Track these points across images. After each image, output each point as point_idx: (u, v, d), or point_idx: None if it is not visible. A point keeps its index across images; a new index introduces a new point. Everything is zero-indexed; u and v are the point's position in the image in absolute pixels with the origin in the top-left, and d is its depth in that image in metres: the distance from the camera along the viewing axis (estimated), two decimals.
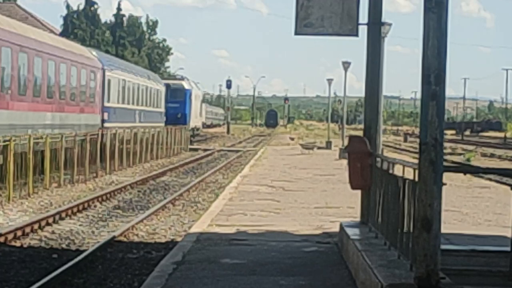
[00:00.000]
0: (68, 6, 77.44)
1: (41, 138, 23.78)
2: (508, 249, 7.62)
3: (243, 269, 10.21)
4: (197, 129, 66.53)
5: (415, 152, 26.56)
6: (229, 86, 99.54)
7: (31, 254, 13.54)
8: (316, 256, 11.33)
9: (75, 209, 18.82)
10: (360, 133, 13.23)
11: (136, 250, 14.18)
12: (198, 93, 69.36)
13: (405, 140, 74.44)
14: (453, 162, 36.36)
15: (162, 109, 51.60)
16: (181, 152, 46.75)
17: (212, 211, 16.80)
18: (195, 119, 62.81)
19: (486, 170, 23.57)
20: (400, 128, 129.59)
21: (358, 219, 11.95)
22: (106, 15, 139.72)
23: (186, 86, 58.85)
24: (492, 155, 48.59)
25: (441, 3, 6.82)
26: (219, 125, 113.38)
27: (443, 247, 7.10)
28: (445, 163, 7.02)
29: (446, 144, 28.69)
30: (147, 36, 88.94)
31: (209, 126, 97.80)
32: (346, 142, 29.30)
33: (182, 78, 62.11)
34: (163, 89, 52.28)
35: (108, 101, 36.27)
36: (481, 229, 14.07)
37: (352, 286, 9.30)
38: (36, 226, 15.95)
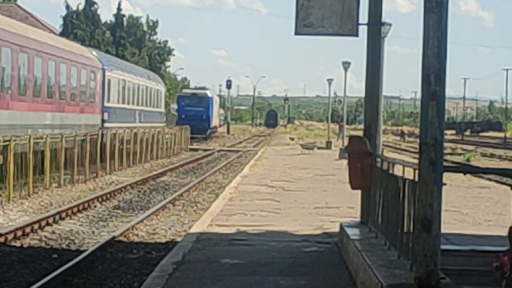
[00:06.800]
0: (67, 6, 77.36)
1: (41, 138, 23.77)
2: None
3: (243, 269, 10.21)
4: (215, 127, 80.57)
5: (415, 152, 26.53)
6: (229, 86, 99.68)
7: (31, 254, 13.54)
8: (316, 256, 11.33)
9: (75, 209, 18.82)
10: (360, 133, 13.22)
11: (136, 250, 14.18)
12: (217, 99, 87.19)
13: (402, 138, 74.13)
14: (453, 162, 36.36)
15: (162, 109, 51.95)
16: (181, 152, 46.77)
17: (212, 211, 16.79)
18: (215, 120, 78.38)
19: (486, 170, 23.55)
20: (400, 128, 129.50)
21: (358, 219, 11.96)
22: (104, 15, 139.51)
23: (210, 94, 73.66)
24: (492, 155, 48.59)
25: (441, 3, 6.82)
26: (219, 125, 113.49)
27: (443, 247, 7.10)
28: (445, 163, 7.02)
29: (446, 144, 28.69)
30: (147, 37, 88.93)
31: None
32: (346, 142, 29.29)
33: (207, 88, 78.96)
34: (163, 89, 53.08)
35: (108, 101, 36.28)
36: (481, 229, 14.07)
37: (352, 286, 9.30)
38: (36, 226, 15.95)
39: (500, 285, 7.05)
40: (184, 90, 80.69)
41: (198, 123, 65.76)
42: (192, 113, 67.80)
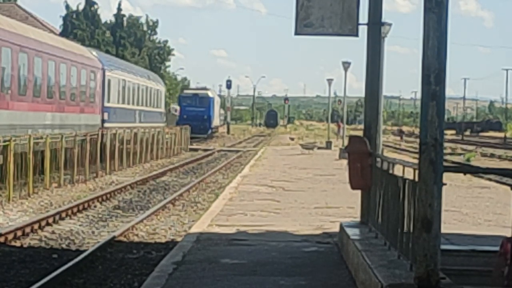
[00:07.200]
0: (67, 6, 77.35)
1: (41, 138, 23.78)
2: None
3: (243, 269, 10.21)
4: (216, 127, 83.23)
5: (415, 152, 26.52)
6: (229, 86, 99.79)
7: (31, 254, 13.54)
8: (316, 256, 11.33)
9: (75, 209, 18.82)
10: (360, 133, 13.22)
11: (136, 250, 14.18)
12: (218, 99, 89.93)
13: (400, 137, 73.92)
14: (453, 162, 36.36)
15: (162, 109, 52.00)
16: (181, 152, 46.76)
17: (212, 211, 16.79)
18: (216, 120, 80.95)
19: (486, 170, 23.51)
20: (399, 128, 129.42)
21: (358, 219, 11.95)
22: (104, 15, 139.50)
23: (211, 95, 76.12)
24: (492, 155, 48.60)
25: (441, 3, 6.82)
26: (219, 125, 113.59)
27: (443, 247, 7.10)
28: (445, 163, 7.02)
29: (446, 144, 28.70)
30: (147, 37, 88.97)
31: None
32: (346, 142, 29.28)
33: (208, 89, 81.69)
34: (163, 89, 53.21)
35: (108, 101, 36.28)
36: (481, 229, 14.06)
37: (352, 286, 9.30)
38: (36, 226, 15.95)
39: (502, 272, 7.05)
40: (186, 91, 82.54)
41: (200, 123, 67.99)
42: (193, 113, 69.76)
